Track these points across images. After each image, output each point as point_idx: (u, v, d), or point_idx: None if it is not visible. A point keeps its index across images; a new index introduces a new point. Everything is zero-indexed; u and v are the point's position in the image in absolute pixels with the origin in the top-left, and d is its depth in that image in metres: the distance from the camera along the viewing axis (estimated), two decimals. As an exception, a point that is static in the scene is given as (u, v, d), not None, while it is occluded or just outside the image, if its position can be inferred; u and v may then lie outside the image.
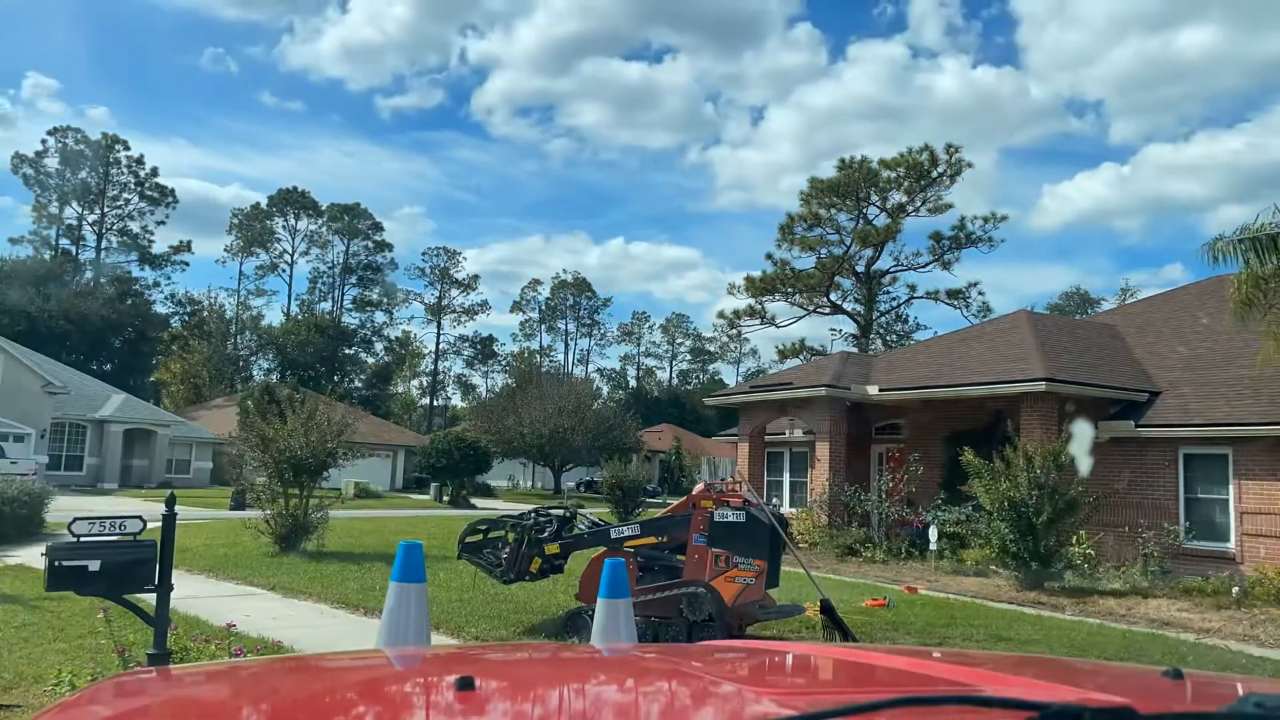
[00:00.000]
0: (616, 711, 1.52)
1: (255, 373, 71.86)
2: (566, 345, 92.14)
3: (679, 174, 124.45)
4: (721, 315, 54.97)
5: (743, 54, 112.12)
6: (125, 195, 68.39)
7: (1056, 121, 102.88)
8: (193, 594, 10.29)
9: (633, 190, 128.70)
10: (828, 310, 51.58)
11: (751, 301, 51.90)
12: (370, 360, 79.03)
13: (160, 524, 5.02)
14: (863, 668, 2.00)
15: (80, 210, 67.36)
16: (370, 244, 78.91)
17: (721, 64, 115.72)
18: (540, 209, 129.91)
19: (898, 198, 49.82)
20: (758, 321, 52.75)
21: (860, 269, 51.11)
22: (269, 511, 15.08)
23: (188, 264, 73.61)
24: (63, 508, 17.34)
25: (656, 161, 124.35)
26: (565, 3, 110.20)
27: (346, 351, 75.02)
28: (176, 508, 5.15)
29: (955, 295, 52.56)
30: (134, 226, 68.91)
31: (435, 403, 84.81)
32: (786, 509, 22.58)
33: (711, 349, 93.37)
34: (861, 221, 50.18)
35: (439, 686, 1.69)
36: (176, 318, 71.44)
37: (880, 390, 20.30)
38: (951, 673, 1.82)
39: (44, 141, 65.57)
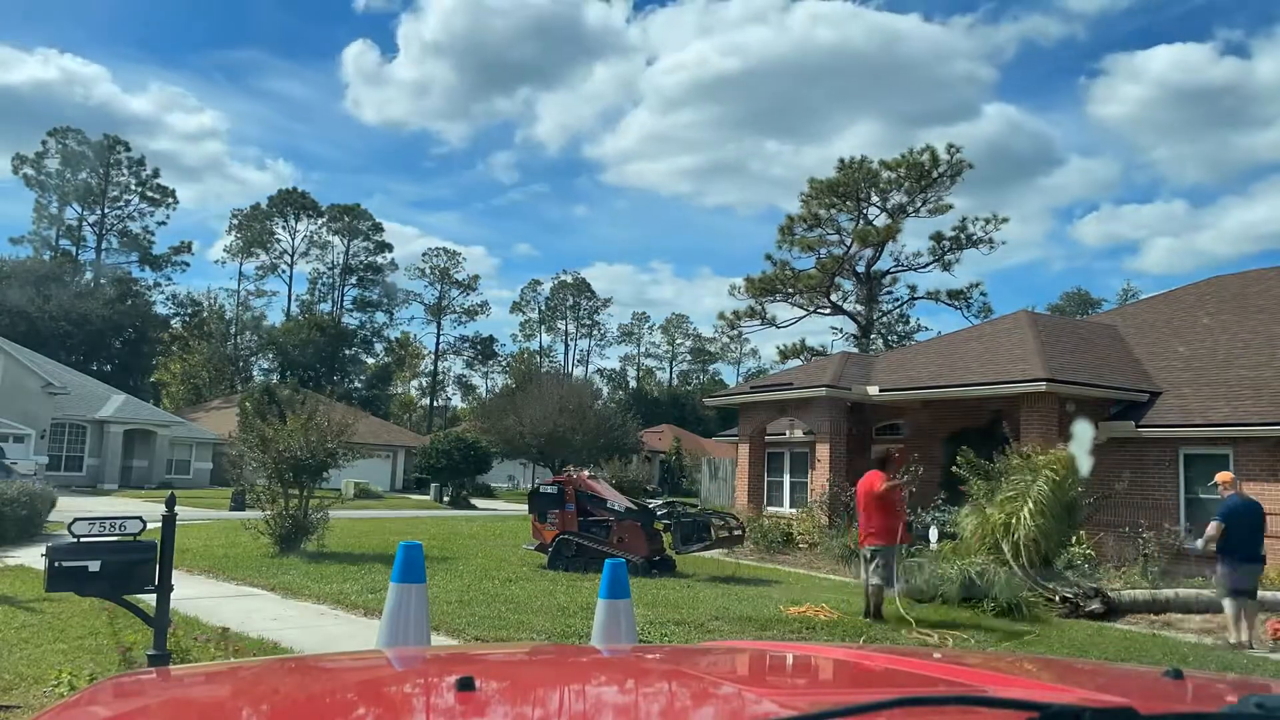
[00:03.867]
0: (617, 712, 1.52)
1: (255, 373, 71.93)
2: (566, 346, 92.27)
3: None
4: (722, 316, 54.95)
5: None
6: (125, 196, 68.42)
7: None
8: (193, 594, 10.29)
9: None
10: (828, 311, 51.53)
11: (752, 302, 51.88)
12: (370, 361, 79.11)
13: (160, 524, 5.01)
14: (863, 668, 2.00)
15: (81, 211, 67.43)
16: (370, 244, 78.98)
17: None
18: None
19: (898, 198, 49.80)
20: (758, 322, 52.72)
21: (861, 269, 51.08)
22: (269, 512, 15.07)
23: (188, 264, 73.70)
24: (62, 508, 17.35)
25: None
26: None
27: (346, 352, 75.02)
28: (176, 508, 5.15)
29: (956, 296, 52.55)
30: (134, 227, 68.99)
31: (435, 403, 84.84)
32: (787, 510, 22.61)
33: (712, 349, 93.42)
34: (862, 222, 50.14)
35: (439, 687, 1.69)
36: (177, 318, 71.47)
37: (881, 390, 20.29)
38: (952, 673, 1.82)
39: (44, 142, 65.62)
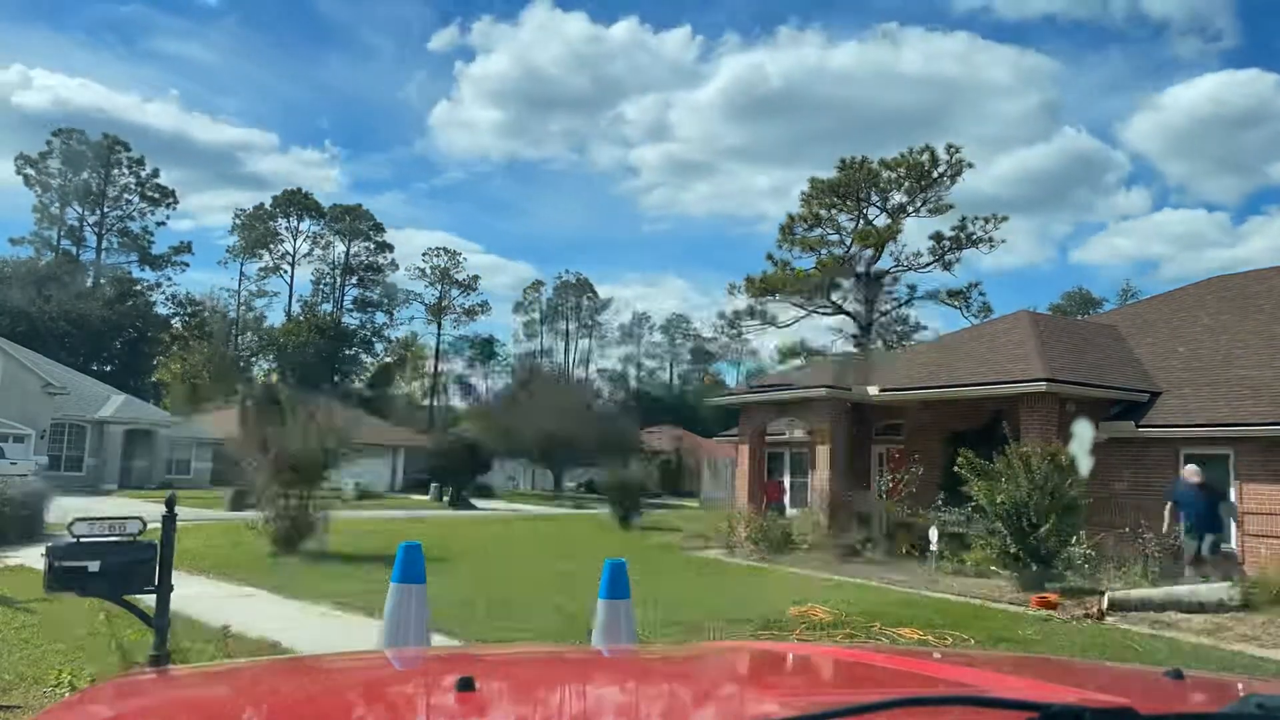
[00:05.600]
0: (617, 711, 1.52)
1: (256, 373, 71.92)
2: (567, 346, 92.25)
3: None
4: (722, 315, 54.95)
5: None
6: (126, 196, 68.47)
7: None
8: (193, 595, 10.29)
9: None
10: (828, 311, 51.55)
11: (752, 302, 51.87)
12: (370, 361, 79.11)
13: (160, 524, 5.01)
14: (864, 668, 2.00)
15: (81, 211, 67.44)
16: (371, 245, 79.01)
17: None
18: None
19: (898, 198, 49.79)
20: (758, 322, 52.72)
21: (861, 269, 51.06)
22: (269, 512, 15.08)
23: (188, 264, 73.72)
24: (62, 508, 17.34)
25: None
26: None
27: (347, 352, 75.01)
28: (177, 508, 5.14)
29: (956, 295, 52.52)
30: (134, 227, 69.05)
31: (435, 403, 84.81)
32: (788, 509, 22.61)
33: (712, 349, 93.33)
34: (862, 222, 50.12)
35: (439, 687, 1.69)
36: (177, 318, 71.48)
37: (881, 391, 20.28)
38: (952, 673, 1.82)
39: (48, 142, 65.63)
